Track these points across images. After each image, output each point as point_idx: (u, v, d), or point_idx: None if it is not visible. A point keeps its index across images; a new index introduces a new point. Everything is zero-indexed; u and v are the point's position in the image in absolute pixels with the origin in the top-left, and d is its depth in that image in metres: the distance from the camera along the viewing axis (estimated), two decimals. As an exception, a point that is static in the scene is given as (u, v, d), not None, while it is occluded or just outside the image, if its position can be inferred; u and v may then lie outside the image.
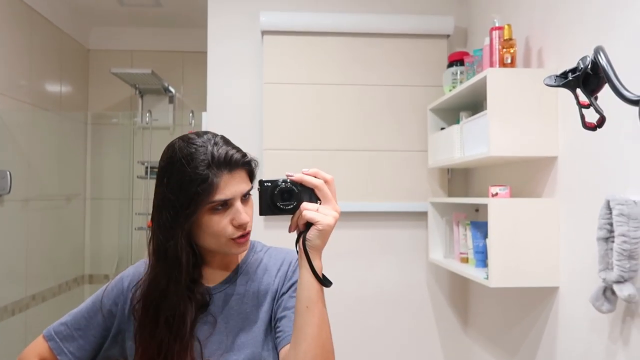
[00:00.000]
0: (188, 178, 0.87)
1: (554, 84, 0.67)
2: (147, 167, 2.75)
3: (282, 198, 0.87)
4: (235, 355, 0.96)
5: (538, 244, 1.55)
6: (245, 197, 0.93)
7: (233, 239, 0.92)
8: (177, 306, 0.92)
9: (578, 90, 0.68)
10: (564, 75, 0.67)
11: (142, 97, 3.13)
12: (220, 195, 0.88)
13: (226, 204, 0.90)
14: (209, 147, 0.90)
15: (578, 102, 0.69)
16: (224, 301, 1.00)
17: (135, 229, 2.82)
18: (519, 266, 1.55)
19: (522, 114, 1.57)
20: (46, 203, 2.72)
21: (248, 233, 0.94)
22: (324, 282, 0.87)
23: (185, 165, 0.88)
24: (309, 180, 0.86)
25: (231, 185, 0.90)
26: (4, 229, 2.31)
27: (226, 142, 0.94)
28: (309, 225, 0.85)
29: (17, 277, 2.42)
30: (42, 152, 2.65)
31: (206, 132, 0.96)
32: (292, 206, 0.87)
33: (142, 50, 3.21)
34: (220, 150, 0.90)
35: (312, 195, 0.87)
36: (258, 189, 0.89)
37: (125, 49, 3.20)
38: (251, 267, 1.04)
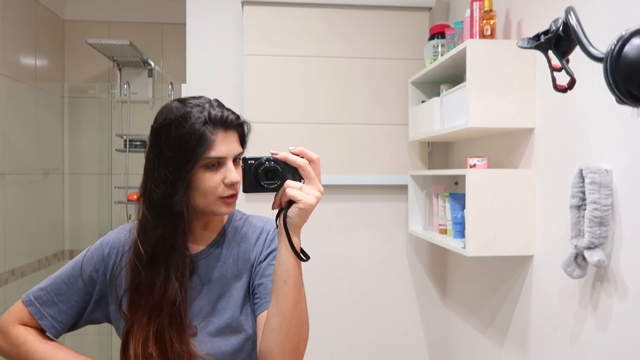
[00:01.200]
0: (186, 134, 0.90)
1: (526, 45, 0.67)
2: (125, 140, 2.71)
3: (266, 177, 0.87)
4: (215, 319, 0.99)
5: (514, 214, 1.58)
6: (236, 160, 0.96)
7: (222, 198, 0.94)
8: (181, 263, 0.95)
9: (550, 53, 0.68)
10: (537, 37, 0.68)
11: (120, 69, 3.06)
12: (215, 152, 0.92)
13: (219, 163, 0.93)
14: (206, 107, 0.94)
15: (550, 65, 0.70)
16: (206, 267, 1.02)
17: (114, 202, 2.79)
18: (496, 236, 1.59)
19: (501, 86, 1.58)
20: (23, 177, 2.67)
21: (236, 194, 0.96)
22: (302, 257, 0.89)
23: (183, 122, 0.91)
24: (293, 159, 0.87)
25: (225, 144, 0.93)
26: (-21, 203, 2.27)
27: (221, 104, 0.98)
28: (290, 202, 0.86)
29: (-5, 252, 2.39)
30: (17, 125, 2.59)
31: (201, 96, 0.98)
32: (275, 185, 0.87)
33: (120, 21, 3.13)
34: (216, 110, 0.94)
35: (295, 173, 0.87)
36: (242, 166, 0.89)
37: (102, 19, 3.12)
38: (231, 234, 1.06)
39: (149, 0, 3.11)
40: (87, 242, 2.96)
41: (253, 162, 0.88)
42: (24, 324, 0.99)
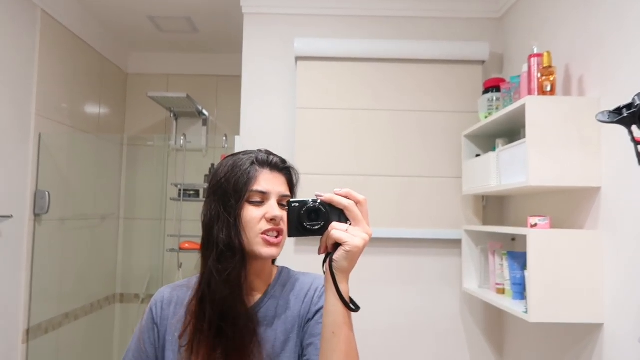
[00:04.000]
0: (235, 176, 0.96)
1: (607, 120, 0.64)
2: (180, 190, 2.78)
3: (309, 218, 0.85)
4: None
5: (580, 277, 1.49)
6: (282, 205, 0.97)
7: (263, 235, 0.94)
8: (236, 306, 0.94)
9: (633, 127, 0.64)
10: (618, 111, 0.64)
11: (176, 119, 3.19)
12: (258, 186, 0.95)
13: (263, 200, 0.95)
14: (254, 152, 1.01)
15: (633, 139, 0.66)
16: (256, 324, 0.99)
17: (167, 250, 2.84)
18: (560, 301, 1.49)
19: (562, 143, 1.52)
20: (82, 222, 2.78)
21: (279, 234, 0.95)
22: (350, 306, 0.84)
23: (234, 168, 0.98)
24: (339, 200, 0.84)
25: (269, 181, 0.97)
26: (41, 248, 2.36)
27: (269, 152, 1.02)
28: (337, 246, 0.83)
29: (51, 296, 2.46)
30: (79, 172, 2.72)
31: (252, 150, 1.04)
32: (319, 226, 0.84)
33: (178, 74, 3.29)
34: (262, 154, 1.00)
35: (341, 215, 0.84)
36: (286, 209, 0.88)
37: (162, 72, 3.29)
38: (279, 292, 1.03)
39: (206, 54, 3.26)
40: (138, 286, 3.03)
41: (297, 204, 0.86)
42: None
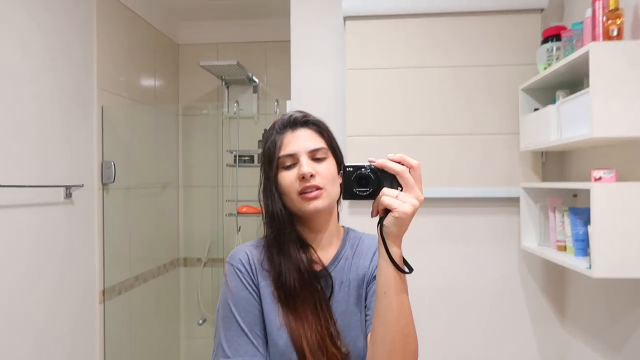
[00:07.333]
0: (266, 145, 1.03)
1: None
2: (235, 156, 2.86)
3: (360, 184, 0.86)
4: (346, 333, 0.99)
5: (649, 232, 1.42)
6: (317, 158, 1.00)
7: (300, 194, 0.98)
8: (298, 267, 0.99)
9: None
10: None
11: (227, 88, 3.25)
12: (283, 151, 1.00)
13: (293, 162, 0.99)
14: (280, 119, 1.05)
15: None
16: (330, 283, 1.03)
17: (225, 215, 2.94)
18: (626, 256, 1.44)
19: (630, 91, 1.43)
20: (145, 191, 2.92)
21: (314, 188, 0.97)
22: (403, 269, 0.85)
23: (267, 137, 1.04)
24: (391, 166, 0.84)
25: (292, 142, 1.00)
26: (110, 216, 2.51)
27: (295, 112, 1.05)
28: (387, 211, 0.83)
29: (122, 260, 2.63)
30: (140, 143, 2.84)
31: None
32: (367, 192, 0.86)
33: (227, 42, 3.32)
34: (285, 117, 1.04)
35: (394, 181, 0.84)
36: (340, 173, 0.90)
37: (211, 42, 3.34)
38: (349, 252, 1.07)
39: (253, 20, 3.27)
40: (200, 251, 3.17)
41: (351, 169, 0.87)
42: None
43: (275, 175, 1.00)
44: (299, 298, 0.98)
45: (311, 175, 0.97)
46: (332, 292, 1.01)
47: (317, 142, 1.01)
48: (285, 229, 1.00)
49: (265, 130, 2.88)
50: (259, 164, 1.09)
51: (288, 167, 0.99)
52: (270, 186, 1.01)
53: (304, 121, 1.02)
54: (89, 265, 2.37)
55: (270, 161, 1.01)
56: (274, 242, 1.02)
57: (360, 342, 0.99)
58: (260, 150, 2.83)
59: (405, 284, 0.87)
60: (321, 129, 1.04)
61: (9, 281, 1.85)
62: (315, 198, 0.97)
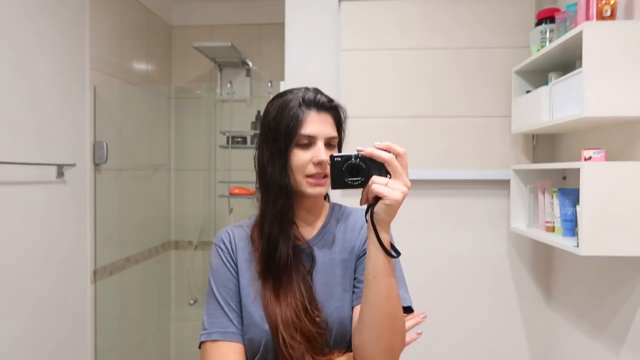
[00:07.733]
0: (284, 117, 0.99)
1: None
2: (228, 137, 2.85)
3: (350, 173, 0.88)
4: (327, 305, 1.01)
5: (635, 210, 1.45)
6: (330, 145, 1.01)
7: (308, 177, 0.98)
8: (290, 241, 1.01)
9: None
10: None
11: (220, 71, 3.23)
12: (305, 130, 0.98)
13: (310, 143, 0.98)
14: (302, 92, 1.02)
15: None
16: (317, 254, 1.05)
17: (218, 196, 2.94)
18: (613, 234, 1.47)
19: (622, 71, 1.45)
20: (137, 173, 2.90)
21: (325, 177, 0.99)
22: (391, 253, 0.88)
23: (283, 109, 1.00)
24: (379, 154, 0.86)
25: (316, 124, 0.99)
26: (102, 196, 2.50)
27: (317, 90, 1.04)
28: (377, 198, 0.86)
29: (113, 241, 2.62)
30: (131, 124, 2.82)
31: (301, 87, 1.05)
32: (359, 182, 0.88)
33: (220, 24, 3.29)
34: (310, 94, 1.01)
35: (382, 169, 0.87)
36: (329, 163, 0.92)
37: (204, 24, 3.31)
38: (334, 225, 1.09)
39: (247, 2, 3.24)
40: (191, 234, 3.17)
41: (340, 159, 0.89)
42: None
43: (288, 149, 0.98)
44: (283, 272, 0.99)
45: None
46: (313, 265, 1.03)
47: (334, 130, 1.02)
48: (291, 203, 1.01)
49: (259, 112, 2.87)
50: (258, 139, 1.06)
51: (303, 146, 0.98)
52: (282, 160, 0.99)
53: (330, 106, 1.02)
54: (80, 245, 2.36)
55: (287, 135, 0.98)
56: (276, 215, 1.01)
57: (344, 312, 1.01)
58: (253, 132, 2.84)
59: (393, 267, 0.90)
60: (341, 120, 1.06)
61: None
62: (322, 184, 1.00)
